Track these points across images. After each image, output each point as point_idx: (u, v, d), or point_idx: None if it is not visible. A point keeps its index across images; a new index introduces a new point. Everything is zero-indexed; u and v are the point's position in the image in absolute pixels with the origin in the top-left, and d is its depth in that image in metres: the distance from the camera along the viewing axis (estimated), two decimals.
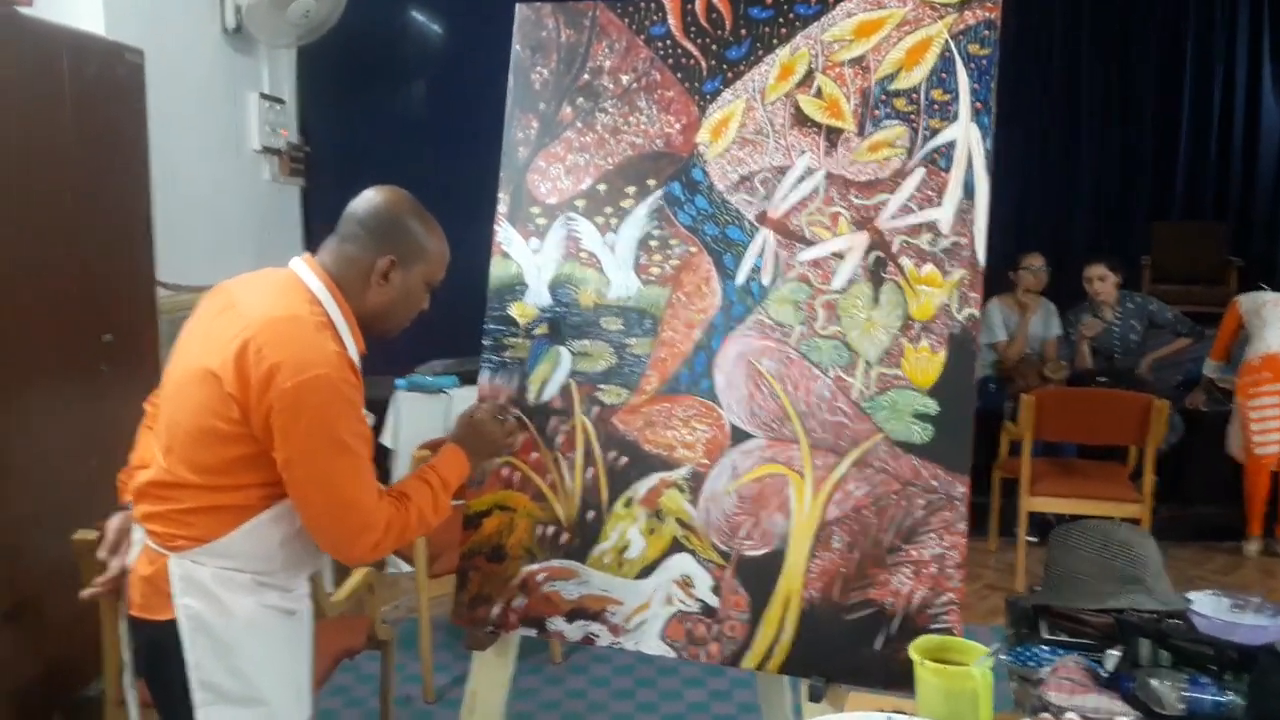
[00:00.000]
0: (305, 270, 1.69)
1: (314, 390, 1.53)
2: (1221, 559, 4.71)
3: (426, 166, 4.89)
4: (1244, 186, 6.52)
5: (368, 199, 1.76)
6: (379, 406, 4.37)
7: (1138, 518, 4.13)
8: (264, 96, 4.68)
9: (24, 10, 2.72)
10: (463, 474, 1.84)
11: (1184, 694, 1.56)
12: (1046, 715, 1.54)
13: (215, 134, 4.39)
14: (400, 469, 4.23)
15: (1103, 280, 4.93)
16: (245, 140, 4.62)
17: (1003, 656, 1.84)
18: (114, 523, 1.76)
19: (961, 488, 1.84)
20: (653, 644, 1.92)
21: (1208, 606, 1.90)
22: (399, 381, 4.29)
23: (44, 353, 2.80)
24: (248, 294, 1.67)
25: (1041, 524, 4.81)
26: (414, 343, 4.38)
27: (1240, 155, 6.46)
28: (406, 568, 4.04)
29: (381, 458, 4.34)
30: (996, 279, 5.28)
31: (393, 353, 4.72)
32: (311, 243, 5.26)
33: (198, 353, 1.62)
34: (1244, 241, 6.48)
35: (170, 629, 1.61)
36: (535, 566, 1.99)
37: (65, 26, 2.94)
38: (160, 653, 1.63)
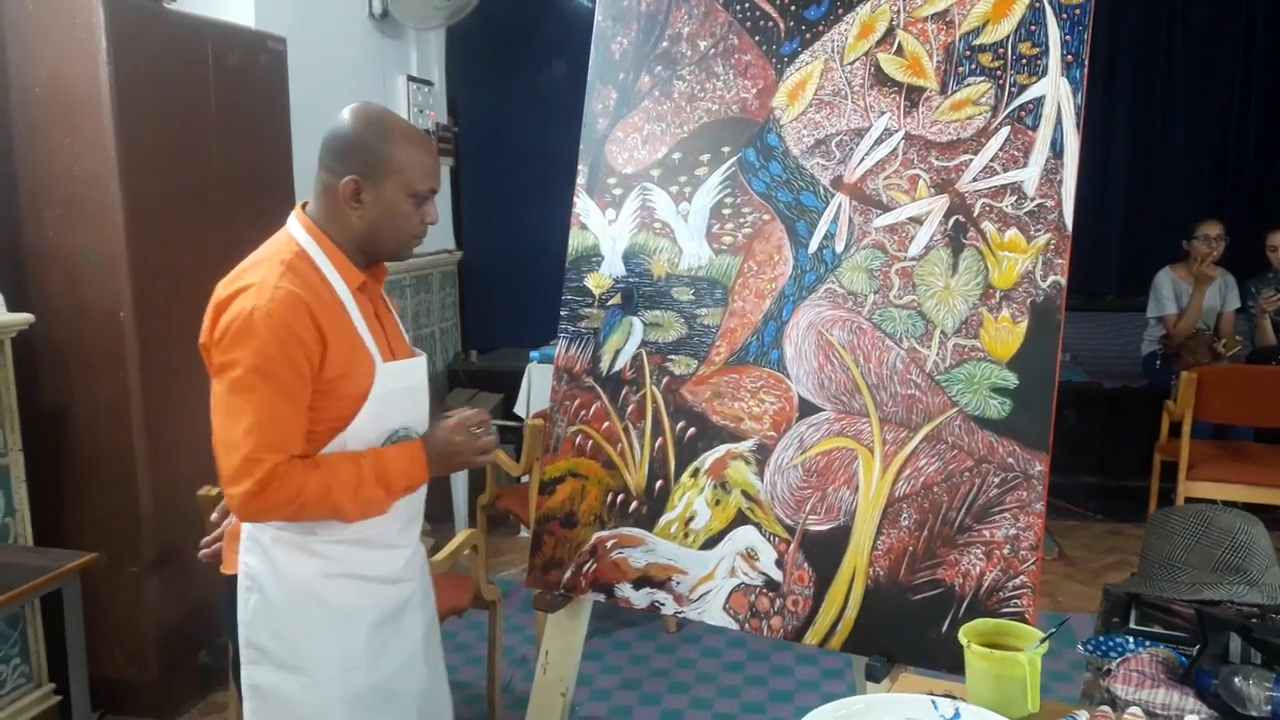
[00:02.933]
0: (292, 217, 1.68)
1: (238, 318, 1.52)
2: None
3: (571, 142, 4.98)
4: None
5: (334, 123, 1.67)
6: (514, 379, 4.51)
7: None
8: (411, 79, 4.86)
9: (168, 5, 2.93)
10: (413, 475, 1.66)
11: (1270, 694, 1.43)
12: (1105, 708, 1.44)
13: None
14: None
15: None
16: None
17: (1080, 646, 1.74)
18: None
19: (1040, 466, 1.73)
20: (716, 615, 1.91)
21: None
22: (533, 354, 4.40)
23: (189, 327, 3.01)
24: None
25: None
26: (549, 318, 4.51)
27: None
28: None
29: (516, 428, 4.47)
30: (1172, 247, 4.91)
31: (529, 328, 4.86)
32: (461, 223, 5.47)
33: None
34: None
35: (234, 583, 1.68)
36: (605, 533, 2.01)
37: (208, 18, 3.14)
38: (229, 605, 1.70)
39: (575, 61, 5.45)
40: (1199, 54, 5.89)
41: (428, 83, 5.04)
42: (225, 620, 1.76)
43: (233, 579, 1.70)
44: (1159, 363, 4.81)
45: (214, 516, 1.85)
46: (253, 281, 1.55)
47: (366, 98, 4.55)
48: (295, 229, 1.65)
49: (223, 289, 1.59)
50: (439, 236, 5.26)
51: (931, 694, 1.48)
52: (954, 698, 1.46)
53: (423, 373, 1.75)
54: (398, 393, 1.67)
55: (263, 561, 1.65)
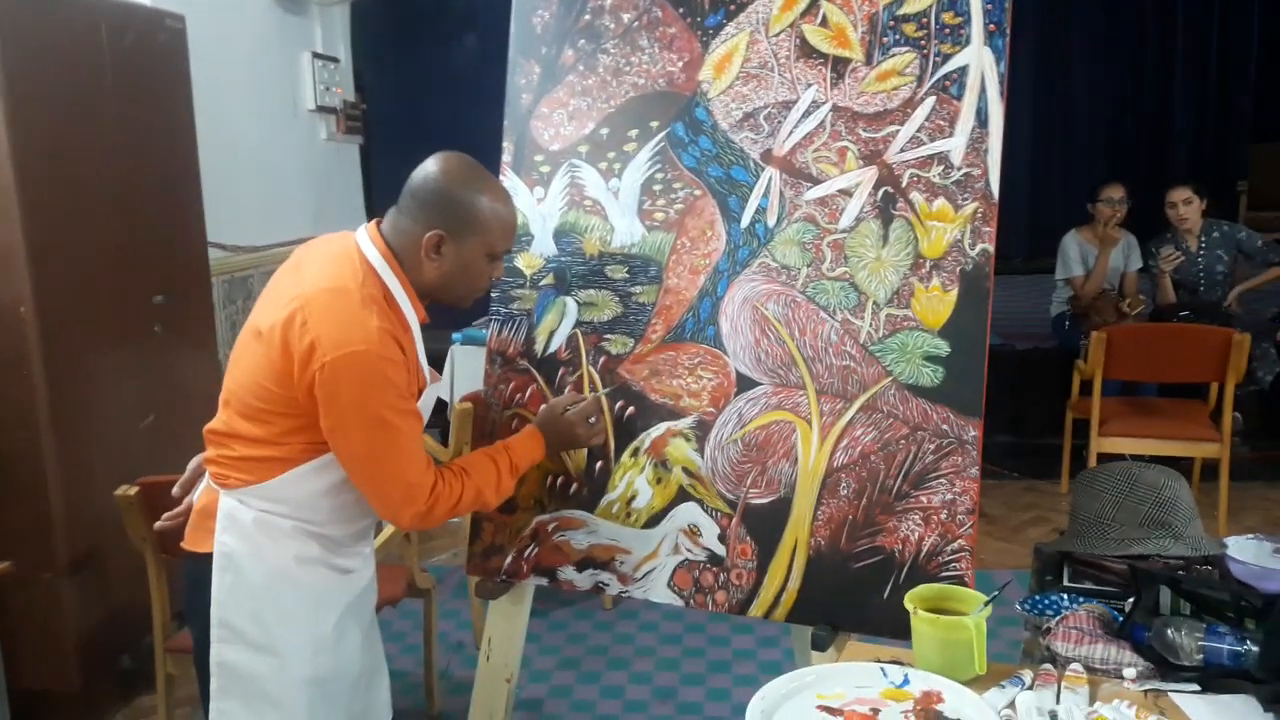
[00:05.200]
0: (365, 239, 1.68)
1: (350, 367, 1.55)
2: None
3: (484, 119, 4.86)
4: None
5: (422, 168, 1.70)
6: (437, 361, 4.43)
7: (1217, 458, 3.95)
8: (316, 55, 4.72)
9: None
10: (535, 459, 1.85)
11: (1201, 643, 1.48)
12: (1049, 666, 1.48)
13: (269, 95, 4.45)
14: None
15: (1187, 204, 4.65)
16: (300, 100, 4.68)
17: (1018, 605, 1.78)
18: (193, 462, 1.82)
19: (974, 431, 1.76)
20: (660, 592, 1.90)
21: (1248, 551, 1.82)
22: (455, 336, 4.33)
23: (97, 315, 2.89)
24: (313, 258, 1.69)
25: None
26: None
27: None
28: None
29: (440, 410, 4.41)
30: (1076, 211, 5.05)
31: (450, 309, 4.79)
32: (372, 201, 5.35)
33: (262, 310, 1.66)
34: None
35: (208, 562, 1.67)
36: (545, 516, 1.99)
37: None
38: (196, 586, 1.69)
39: (487, 37, 5.37)
40: (1096, 21, 6.07)
41: (333, 59, 4.89)
42: (188, 597, 1.75)
43: (200, 556, 1.69)
44: (1068, 323, 4.96)
45: (175, 491, 1.82)
46: (343, 320, 1.57)
47: (270, 76, 4.45)
48: (373, 256, 1.66)
49: (314, 321, 1.57)
50: (348, 218, 5.13)
51: (879, 660, 1.51)
52: (901, 664, 1.48)
53: (435, 393, 1.83)
54: (422, 409, 1.74)
55: (241, 541, 1.66)
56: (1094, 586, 1.82)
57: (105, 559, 2.84)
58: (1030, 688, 1.42)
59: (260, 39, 4.37)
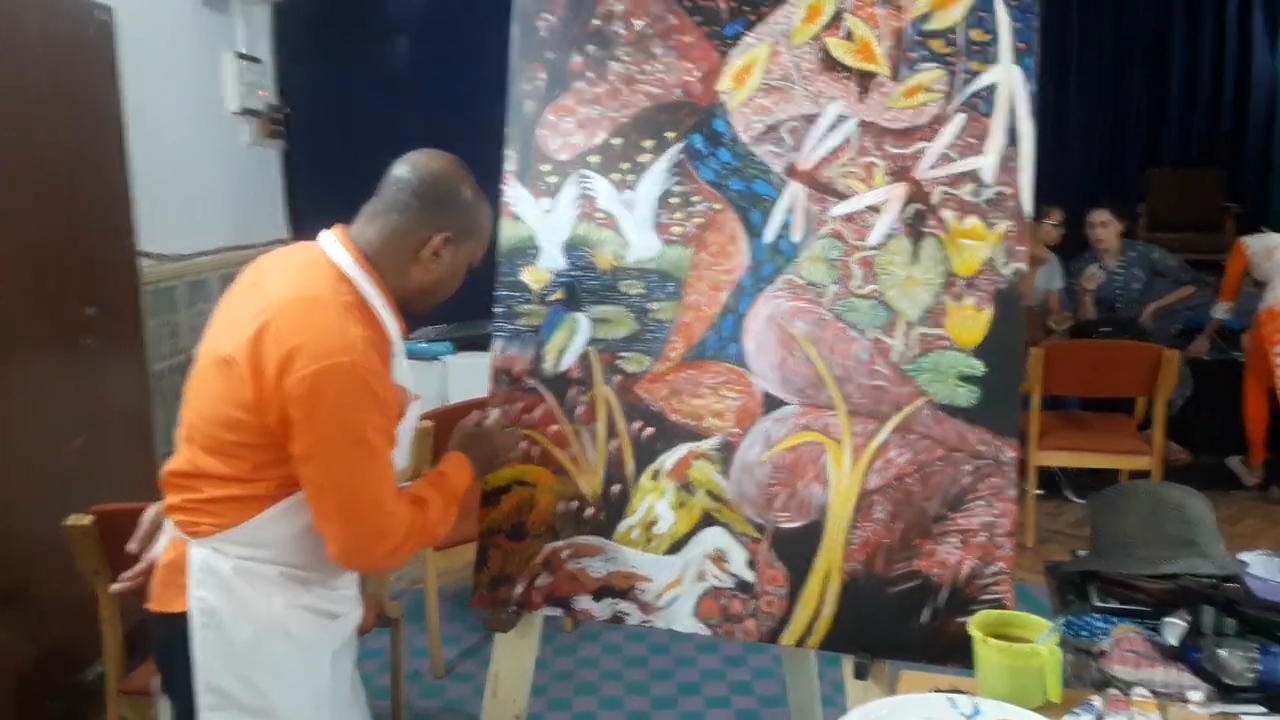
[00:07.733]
0: (333, 245, 1.55)
1: (332, 380, 1.41)
2: (1227, 509, 4.68)
3: (413, 125, 4.70)
4: (1235, 131, 6.44)
5: (422, 165, 1.59)
6: None
7: (1147, 469, 4.08)
8: (240, 56, 4.49)
9: None
10: (465, 484, 1.73)
11: (1255, 664, 1.49)
12: (1114, 691, 1.46)
13: (190, 96, 4.20)
14: None
15: (1105, 226, 4.83)
16: (222, 102, 4.44)
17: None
18: (148, 514, 1.65)
19: (1011, 452, 1.74)
20: (685, 622, 1.83)
21: (1260, 568, 1.84)
22: None
23: (24, 327, 2.66)
24: (275, 271, 1.55)
25: (1047, 478, 4.76)
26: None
27: (1231, 100, 6.37)
28: None
29: None
30: None
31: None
32: (294, 207, 5.11)
33: (220, 335, 1.51)
34: (1237, 187, 6.40)
35: (182, 623, 1.50)
36: (559, 543, 1.89)
37: None
38: (172, 650, 1.52)
39: (418, 41, 5.21)
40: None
41: (256, 60, 4.66)
42: (164, 664, 1.58)
43: (173, 617, 1.52)
44: None
45: (132, 546, 1.63)
46: (321, 330, 1.43)
47: (192, 75, 4.21)
48: (345, 263, 1.52)
49: (288, 333, 1.42)
50: (269, 226, 4.90)
51: (938, 690, 1.46)
52: (962, 692, 1.44)
53: (419, 411, 1.70)
54: (406, 432, 1.62)
55: (220, 594, 1.50)
56: (1119, 605, 1.82)
57: (35, 592, 2.61)
58: (1103, 715, 1.39)
59: (181, 36, 4.13)
